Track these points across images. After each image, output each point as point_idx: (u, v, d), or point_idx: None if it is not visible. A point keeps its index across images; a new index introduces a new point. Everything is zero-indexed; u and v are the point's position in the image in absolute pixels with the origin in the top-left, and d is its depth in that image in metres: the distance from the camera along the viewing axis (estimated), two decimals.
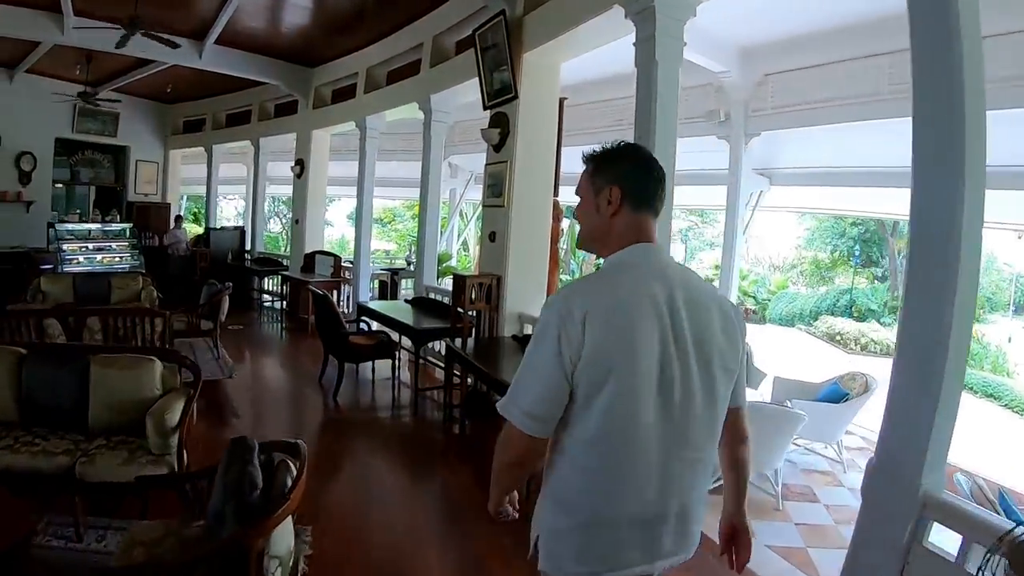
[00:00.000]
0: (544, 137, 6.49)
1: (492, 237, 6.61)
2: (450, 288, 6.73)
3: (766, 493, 5.00)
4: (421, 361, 7.65)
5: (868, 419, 6.16)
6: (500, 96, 6.38)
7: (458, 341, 6.17)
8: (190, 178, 16.50)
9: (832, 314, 20.94)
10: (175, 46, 8.39)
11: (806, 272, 26.90)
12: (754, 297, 24.72)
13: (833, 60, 8.11)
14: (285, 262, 12.64)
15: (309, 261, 11.20)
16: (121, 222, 12.64)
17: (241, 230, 14.05)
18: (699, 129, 10.56)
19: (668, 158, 4.32)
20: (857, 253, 24.78)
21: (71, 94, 11.47)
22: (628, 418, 1.53)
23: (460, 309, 6.36)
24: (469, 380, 5.99)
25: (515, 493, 1.82)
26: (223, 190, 25.75)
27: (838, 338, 17.92)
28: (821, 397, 6.21)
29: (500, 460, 1.67)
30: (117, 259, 11.86)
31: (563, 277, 12.27)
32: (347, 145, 13.94)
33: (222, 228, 14.24)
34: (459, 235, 17.49)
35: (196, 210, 27.97)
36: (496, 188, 6.50)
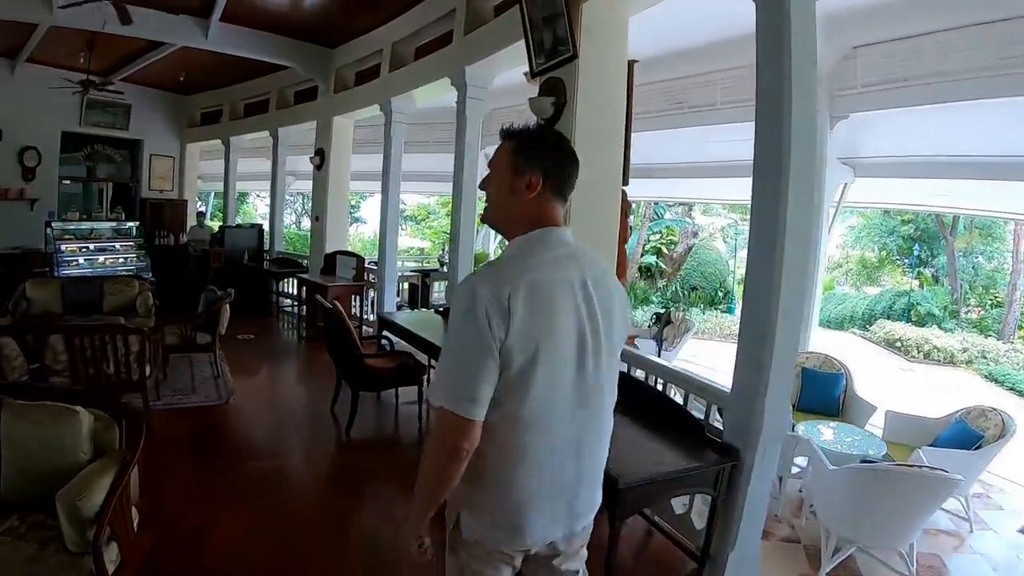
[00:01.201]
0: (611, 109, 5.01)
1: None
2: None
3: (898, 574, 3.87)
4: None
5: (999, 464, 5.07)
6: (554, 56, 5.01)
7: None
8: (217, 174, 15.36)
9: (888, 318, 19.43)
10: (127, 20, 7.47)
11: (852, 272, 25.31)
12: None
13: (936, 29, 6.86)
14: (305, 263, 11.49)
15: (330, 262, 10.01)
16: (128, 220, 11.50)
17: (259, 228, 12.92)
18: None
19: (807, 146, 3.16)
20: (916, 251, 23.07)
21: (73, 82, 10.42)
22: (556, 392, 1.64)
23: None
24: None
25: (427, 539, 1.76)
26: (253, 186, 24.93)
27: (898, 344, 16.43)
28: (946, 439, 5.05)
29: (436, 454, 1.64)
30: (121, 261, 10.80)
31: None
32: (378, 136, 13.07)
33: (238, 226, 13.08)
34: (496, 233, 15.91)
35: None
36: None
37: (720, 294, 21.71)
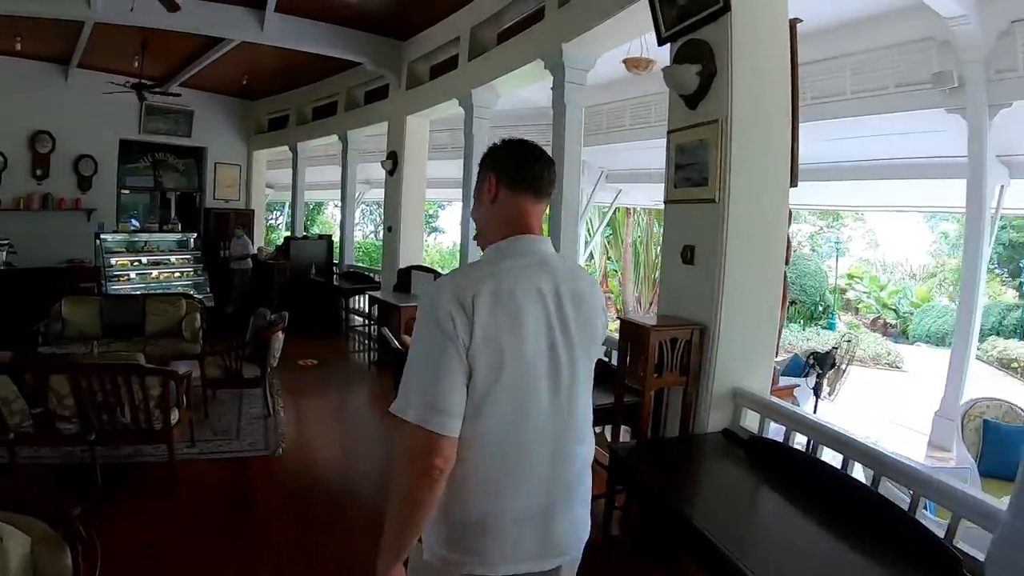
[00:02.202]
0: (774, 83, 3.69)
1: (688, 255, 3.82)
2: None
3: None
4: None
5: None
6: (697, 11, 3.69)
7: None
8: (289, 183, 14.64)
9: (998, 334, 17.55)
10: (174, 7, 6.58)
11: (946, 282, 23.12)
12: (895, 310, 21.05)
13: None
14: (377, 277, 10.43)
15: (404, 278, 8.88)
16: (186, 230, 10.60)
17: (328, 240, 11.95)
18: (919, 101, 7.80)
19: None
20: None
21: (123, 84, 9.66)
22: (525, 404, 1.52)
23: (633, 383, 3.70)
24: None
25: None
26: (330, 195, 24.00)
27: (1014, 365, 14.51)
28: None
29: (406, 479, 1.45)
30: (176, 275, 9.93)
31: None
32: (457, 141, 12.04)
33: (304, 237, 12.11)
34: (585, 247, 14.49)
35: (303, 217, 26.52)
36: (696, 170, 3.71)
37: (819, 308, 19.90)
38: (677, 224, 4.06)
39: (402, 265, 9.15)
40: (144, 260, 9.70)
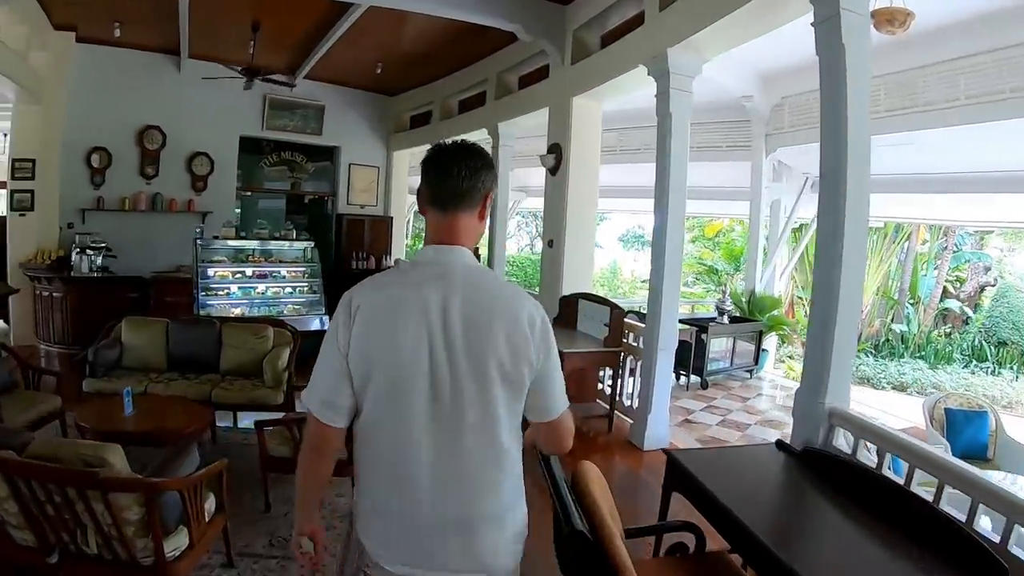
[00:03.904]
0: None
1: None
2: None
3: None
4: None
5: None
6: None
7: None
8: None
9: None
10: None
11: None
12: None
13: None
14: None
15: (569, 308, 6.71)
16: (300, 238, 8.76)
17: (474, 254, 9.80)
18: None
19: None
20: None
21: (235, 71, 8.23)
22: (395, 414, 1.55)
23: None
24: None
25: (315, 538, 1.67)
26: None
27: None
28: None
29: (303, 451, 1.67)
30: (287, 290, 8.17)
31: None
32: (625, 142, 10.37)
33: None
34: (782, 267, 11.27)
35: None
36: None
37: None
38: None
39: (566, 291, 6.97)
40: (249, 272, 7.98)
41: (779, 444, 3.48)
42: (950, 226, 16.93)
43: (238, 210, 11.16)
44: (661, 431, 5.63)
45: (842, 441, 3.70)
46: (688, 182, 5.58)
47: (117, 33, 7.91)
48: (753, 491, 3.05)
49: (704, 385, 7.98)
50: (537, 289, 8.59)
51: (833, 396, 3.71)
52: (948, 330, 17.18)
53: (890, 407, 10.23)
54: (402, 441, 1.54)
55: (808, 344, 4.00)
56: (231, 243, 8.28)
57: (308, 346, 4.49)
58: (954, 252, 17.85)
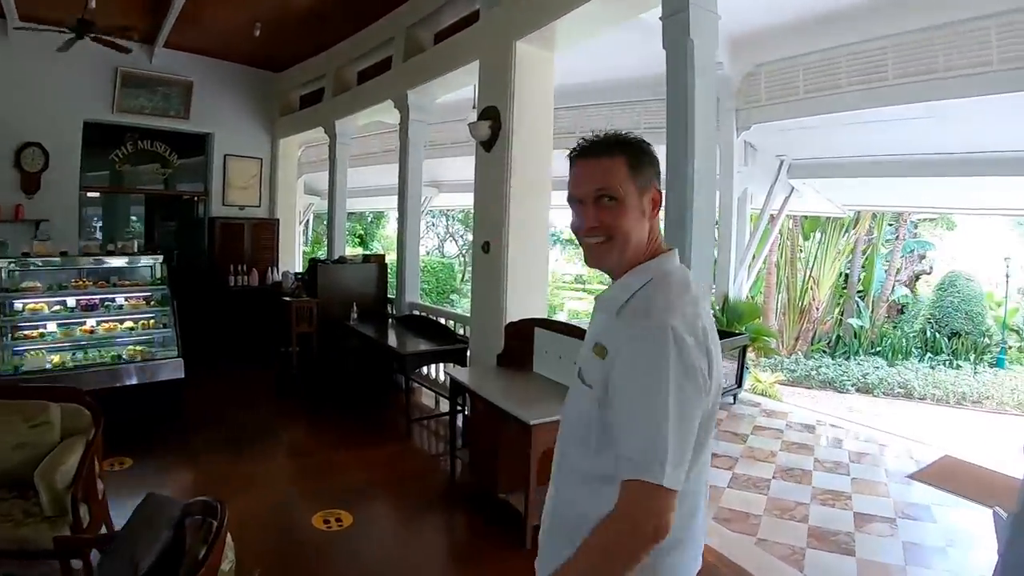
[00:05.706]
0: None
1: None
2: None
3: None
4: None
5: None
6: None
7: None
8: (356, 188, 10.93)
9: None
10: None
11: None
12: None
13: None
14: (463, 330, 6.30)
15: (518, 342, 4.70)
16: (144, 253, 6.31)
17: (380, 264, 7.85)
18: None
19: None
20: None
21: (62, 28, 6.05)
22: (704, 447, 1.37)
23: None
24: None
25: None
26: (392, 203, 19.00)
27: None
28: None
29: (629, 539, 1.22)
30: (126, 326, 5.84)
31: None
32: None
33: (339, 260, 7.82)
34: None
35: (361, 231, 22.40)
36: None
37: (983, 341, 15.29)
38: None
39: (512, 315, 4.98)
40: (71, 302, 5.63)
41: None
42: (911, 213, 16.20)
43: (98, 221, 8.91)
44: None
45: None
46: None
47: None
48: None
49: None
50: (460, 307, 6.60)
51: None
52: (894, 322, 16.47)
53: (877, 419, 8.72)
54: (703, 472, 1.39)
55: None
56: (53, 261, 5.85)
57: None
58: (905, 241, 17.10)
